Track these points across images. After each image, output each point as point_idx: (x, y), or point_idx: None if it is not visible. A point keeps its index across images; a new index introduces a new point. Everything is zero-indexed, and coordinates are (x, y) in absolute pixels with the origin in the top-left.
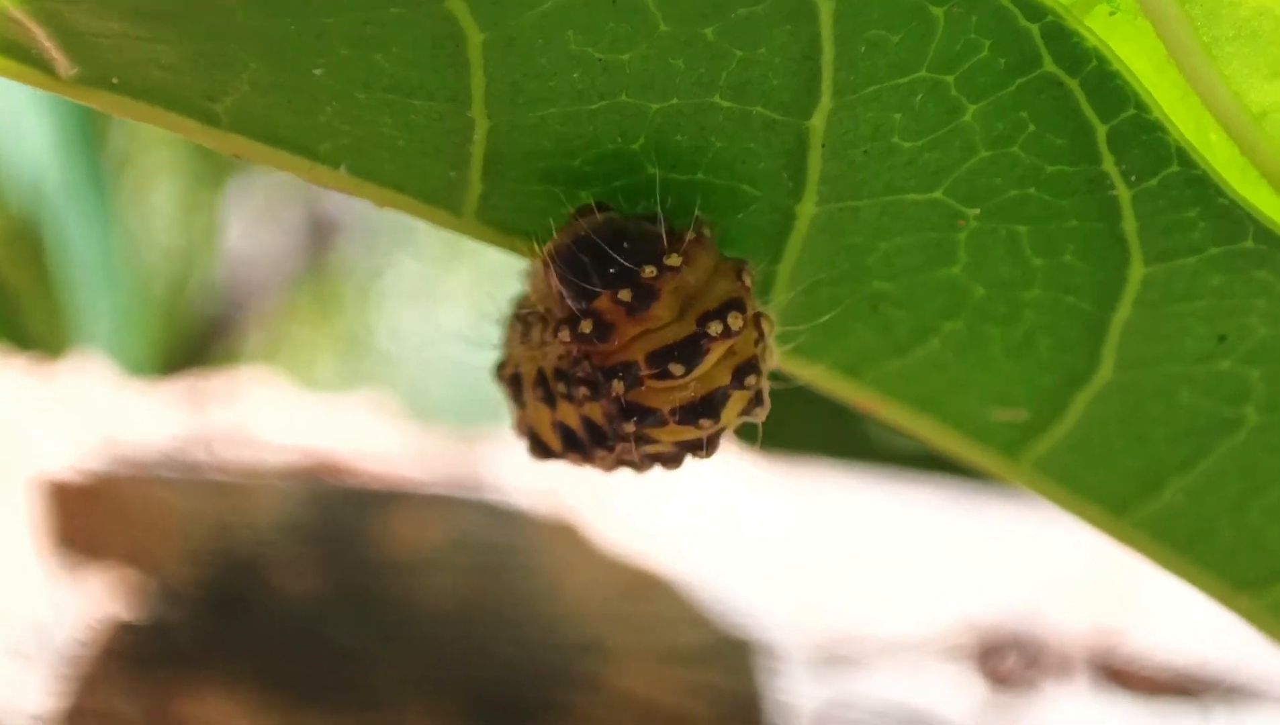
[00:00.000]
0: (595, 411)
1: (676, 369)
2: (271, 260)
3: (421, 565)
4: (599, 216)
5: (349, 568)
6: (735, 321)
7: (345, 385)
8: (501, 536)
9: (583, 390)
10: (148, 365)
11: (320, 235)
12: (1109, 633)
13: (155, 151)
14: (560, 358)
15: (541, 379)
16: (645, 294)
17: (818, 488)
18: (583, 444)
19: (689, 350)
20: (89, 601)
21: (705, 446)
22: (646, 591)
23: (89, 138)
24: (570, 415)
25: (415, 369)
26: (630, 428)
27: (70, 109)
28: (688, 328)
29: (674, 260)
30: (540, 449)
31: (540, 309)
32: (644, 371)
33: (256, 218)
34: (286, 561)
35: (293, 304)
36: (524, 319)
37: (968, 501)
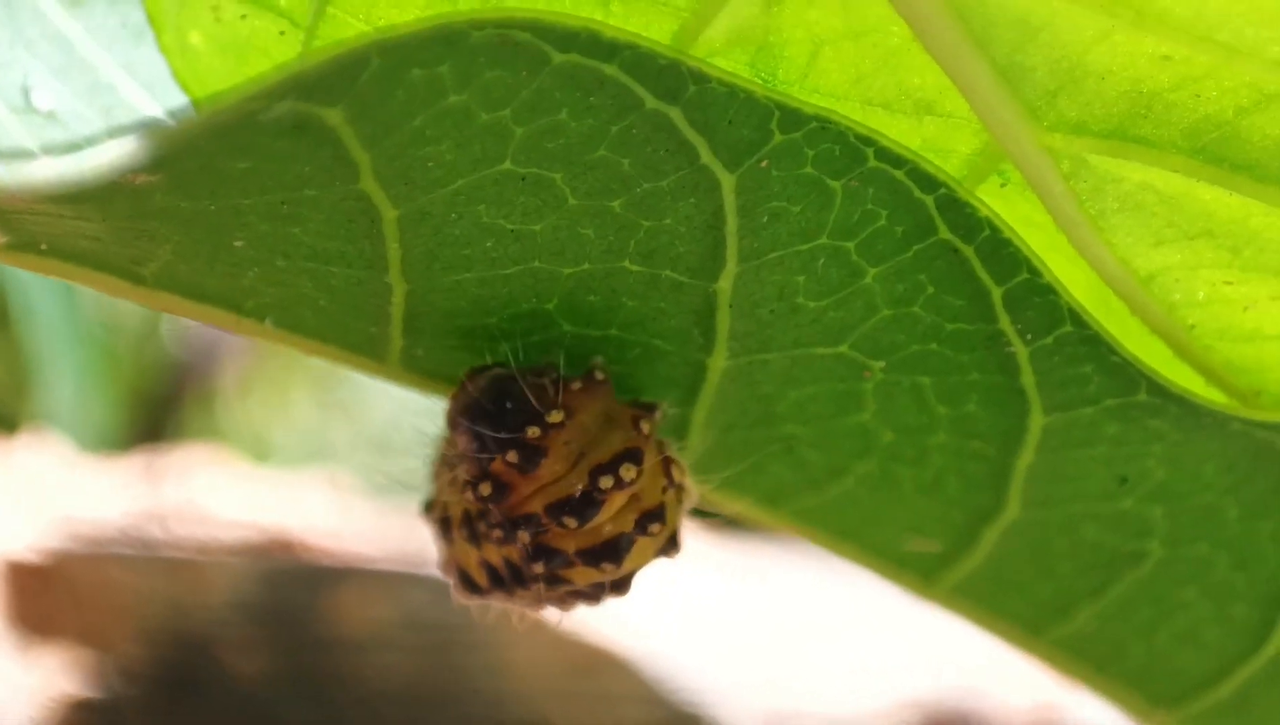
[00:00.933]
0: (512, 553)
1: (570, 522)
2: (225, 333)
3: (370, 643)
4: (485, 377)
5: (299, 646)
6: (628, 473)
7: (299, 458)
8: (449, 613)
9: (496, 532)
10: (106, 433)
11: None
12: (1050, 708)
13: None
14: (471, 505)
15: (467, 519)
16: (532, 453)
17: (765, 564)
18: (505, 582)
19: (583, 503)
20: (44, 681)
21: (617, 588)
22: (594, 668)
23: None
24: (494, 555)
25: (367, 442)
26: (540, 569)
27: None
28: (581, 480)
29: (556, 417)
30: (467, 587)
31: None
32: (544, 522)
33: None
34: (238, 640)
35: (247, 377)
36: (449, 461)
37: None
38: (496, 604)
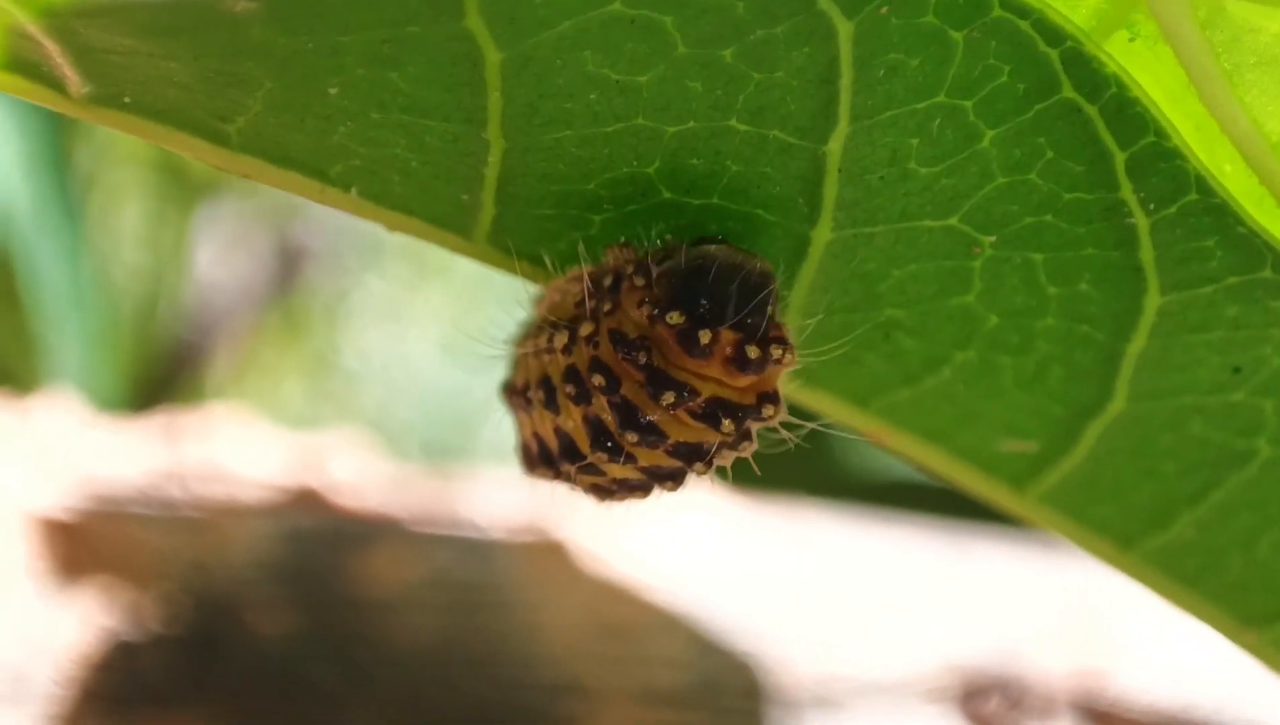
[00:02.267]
0: (603, 407)
1: (726, 425)
2: (241, 286)
3: (398, 603)
4: (762, 263)
5: (324, 606)
6: (775, 412)
7: (316, 412)
8: (478, 574)
9: (597, 378)
10: (118, 395)
11: (289, 260)
12: (1092, 674)
13: (123, 175)
14: (590, 340)
15: (544, 382)
16: (760, 364)
17: (802, 527)
18: (553, 458)
19: (740, 418)
20: (65, 641)
21: (675, 479)
22: (628, 629)
23: (59, 164)
24: (546, 426)
25: (387, 396)
26: (631, 438)
27: (39, 133)
28: (748, 398)
29: (790, 358)
30: (530, 461)
31: (553, 318)
32: (695, 405)
33: (225, 243)
34: (262, 600)
35: (263, 329)
36: (532, 333)
37: (953, 543)
38: (557, 481)
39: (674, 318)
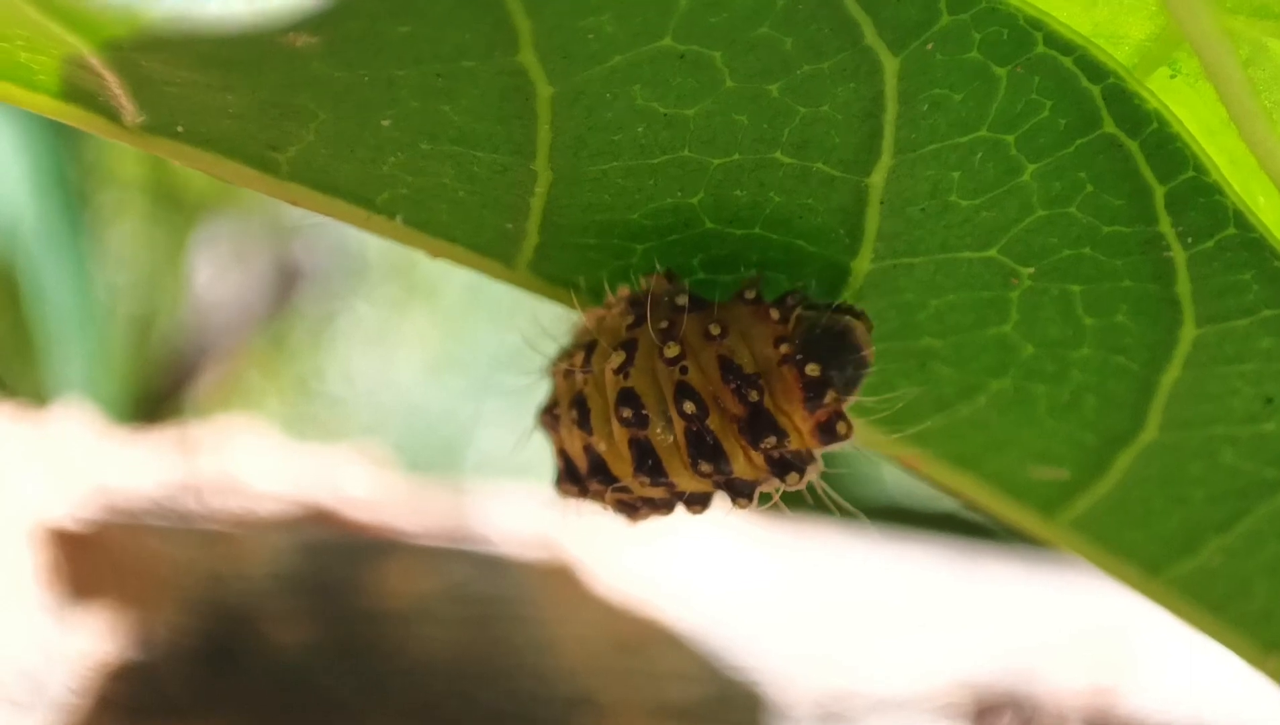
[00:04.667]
0: (661, 435)
1: (791, 478)
2: (238, 304)
3: (413, 616)
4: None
5: (340, 618)
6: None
7: (319, 431)
8: (494, 587)
9: (689, 405)
10: (120, 409)
11: (285, 279)
12: (1104, 691)
13: (123, 195)
14: (675, 359)
15: (578, 402)
16: (836, 433)
17: (815, 544)
18: (582, 477)
19: (803, 465)
20: (81, 650)
21: (703, 503)
22: (641, 645)
23: (63, 182)
24: (576, 444)
25: (374, 416)
26: (706, 468)
27: (44, 151)
28: (803, 444)
29: (849, 432)
30: (561, 480)
31: (589, 341)
32: (778, 452)
33: (224, 262)
34: (278, 612)
35: (258, 347)
36: (571, 354)
37: (965, 560)
38: (590, 499)
39: (812, 369)
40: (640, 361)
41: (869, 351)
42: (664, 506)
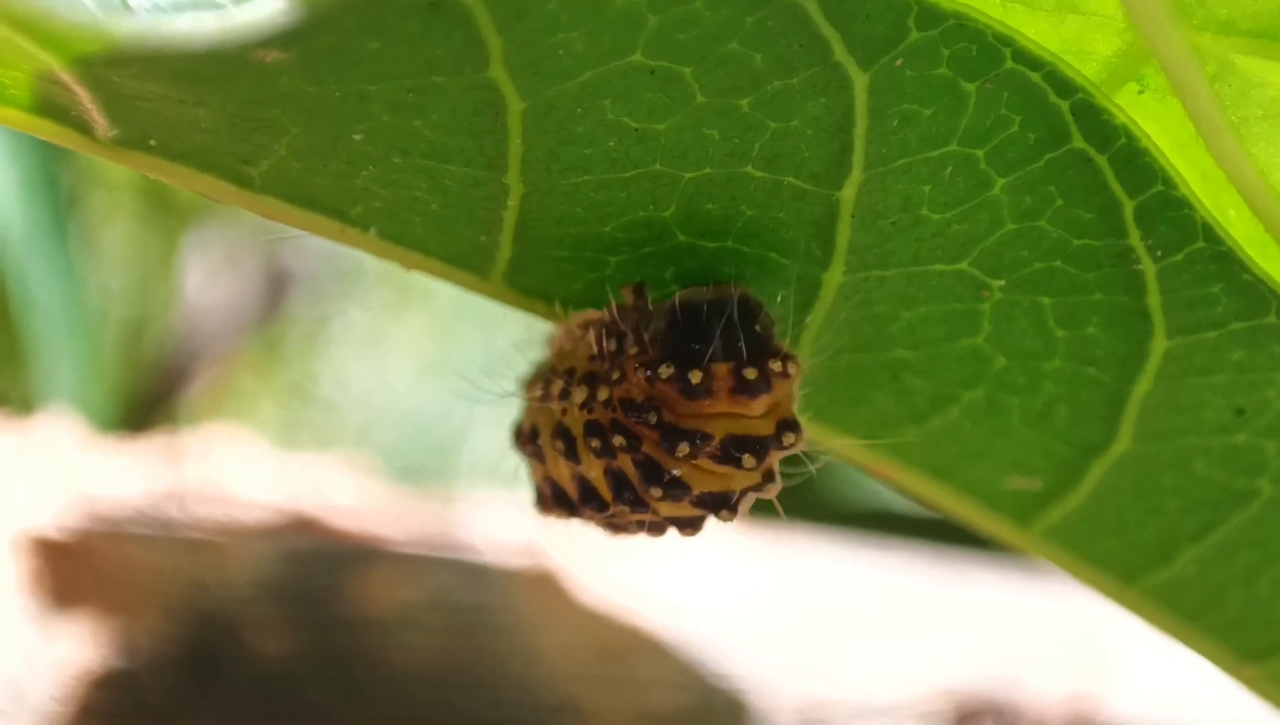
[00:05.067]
0: (627, 464)
1: (748, 461)
2: (229, 310)
3: (396, 624)
4: (735, 286)
5: (323, 626)
6: (795, 439)
7: (311, 436)
8: (476, 595)
9: (618, 439)
10: (109, 416)
11: (276, 285)
12: (1084, 698)
13: (112, 200)
14: (623, 394)
15: (534, 434)
16: (762, 382)
17: (798, 552)
18: (572, 503)
19: (760, 450)
20: (65, 658)
21: (694, 526)
22: (624, 652)
23: (52, 187)
24: (562, 472)
25: (367, 421)
26: (655, 493)
27: (32, 157)
28: (768, 428)
29: (794, 369)
30: (545, 503)
31: (568, 367)
32: (713, 448)
33: (215, 267)
34: (261, 620)
35: (248, 353)
36: (546, 380)
37: (947, 568)
38: (574, 523)
39: (665, 371)
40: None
41: (728, 298)
42: (656, 529)
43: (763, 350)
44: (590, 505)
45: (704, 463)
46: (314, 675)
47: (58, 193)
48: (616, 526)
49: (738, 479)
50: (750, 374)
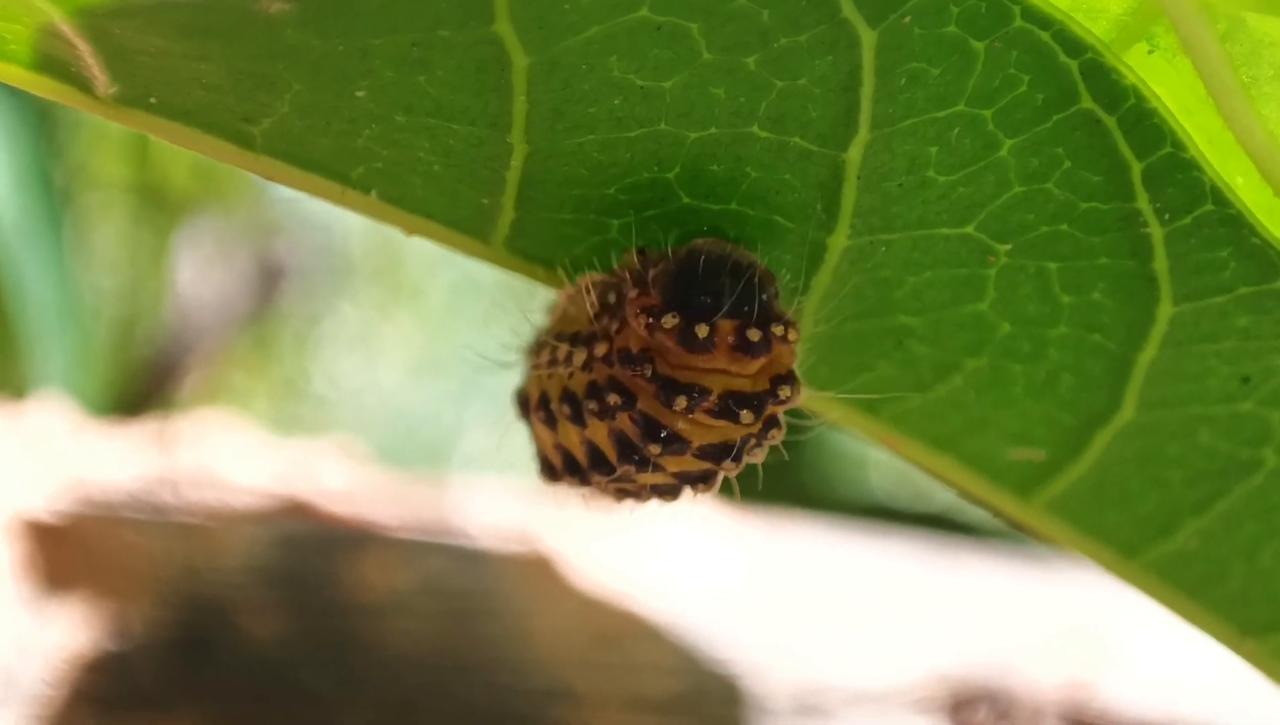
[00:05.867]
0: (625, 422)
1: (745, 417)
2: (221, 303)
3: (389, 609)
4: (743, 248)
5: (316, 611)
6: (792, 392)
7: (302, 431)
8: (470, 581)
9: (614, 397)
10: (101, 405)
11: (268, 278)
12: (1081, 686)
13: (106, 192)
14: (622, 347)
15: (544, 401)
16: (763, 344)
17: (790, 539)
18: (582, 469)
19: (757, 406)
20: (57, 641)
21: (706, 481)
22: (618, 638)
23: (45, 178)
24: (572, 438)
25: (358, 416)
26: (655, 449)
27: (27, 149)
28: (762, 385)
29: (794, 335)
30: (547, 470)
31: (572, 331)
32: (710, 404)
33: (207, 261)
34: (254, 604)
35: (239, 347)
36: (550, 346)
37: (942, 555)
38: (578, 490)
39: (669, 321)
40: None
41: (737, 256)
42: (669, 491)
43: (767, 312)
44: (599, 470)
45: (701, 417)
46: (307, 660)
47: (52, 188)
48: (627, 492)
49: (737, 429)
50: (754, 335)
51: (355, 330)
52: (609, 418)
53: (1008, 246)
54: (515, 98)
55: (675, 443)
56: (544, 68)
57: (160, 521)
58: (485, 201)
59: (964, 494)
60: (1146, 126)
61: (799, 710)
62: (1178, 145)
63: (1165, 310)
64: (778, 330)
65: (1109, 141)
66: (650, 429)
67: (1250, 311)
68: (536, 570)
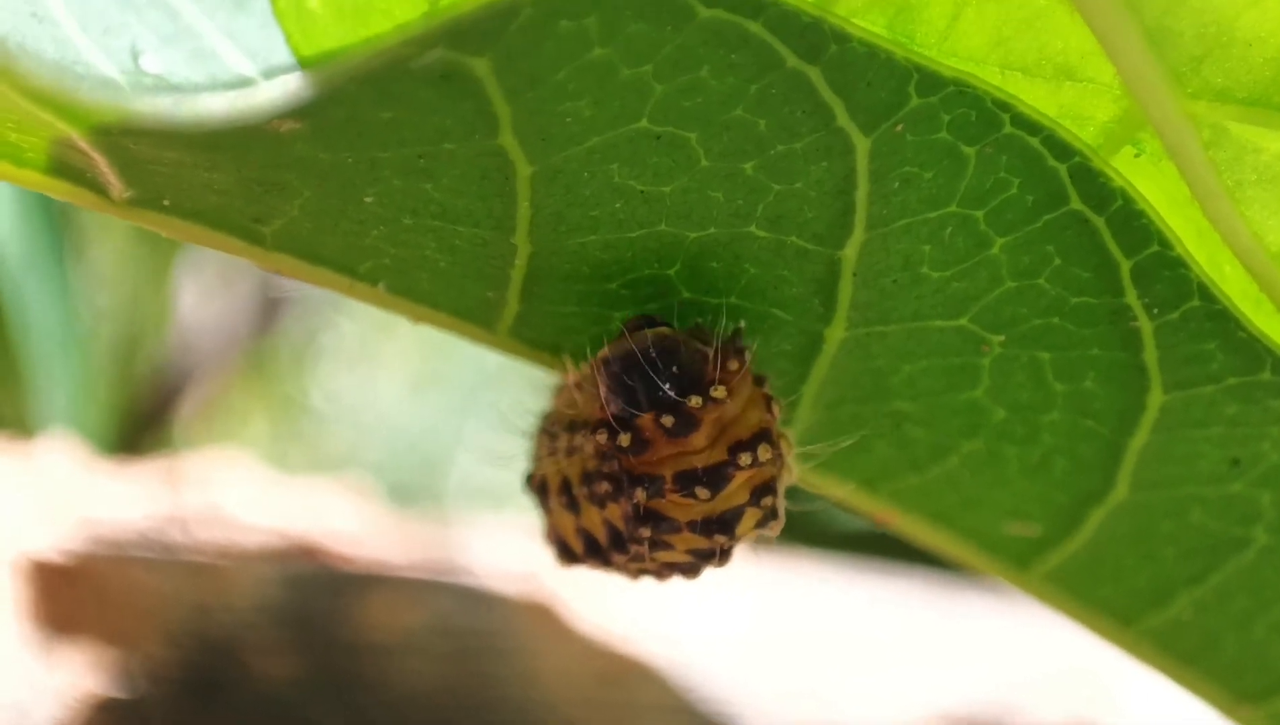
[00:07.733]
0: (615, 513)
1: (702, 493)
2: (225, 327)
3: (397, 649)
4: (650, 333)
5: (324, 651)
6: (764, 453)
7: (304, 452)
8: (477, 620)
9: (604, 486)
10: (106, 437)
11: (272, 302)
12: (1085, 724)
13: (106, 219)
14: (589, 458)
15: (566, 486)
16: (687, 422)
17: (795, 578)
18: (603, 550)
19: (717, 477)
20: (67, 681)
21: (719, 556)
22: (623, 678)
23: (47, 209)
24: (594, 519)
25: (357, 438)
26: (646, 532)
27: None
28: (719, 455)
29: (720, 392)
30: (566, 554)
31: (569, 419)
32: (668, 487)
33: (208, 285)
34: (263, 644)
35: (243, 372)
36: (551, 432)
37: (946, 594)
38: (594, 570)
39: (601, 437)
40: None
41: (630, 345)
42: (688, 569)
43: (688, 386)
44: (617, 550)
45: (672, 498)
46: (315, 699)
47: (52, 213)
48: (645, 571)
49: (720, 502)
50: (667, 421)
51: (355, 350)
52: (613, 502)
53: (1001, 337)
54: (519, 203)
55: (661, 522)
56: (547, 175)
57: (168, 561)
58: (490, 295)
59: (963, 564)
60: (1134, 226)
61: None
62: (1165, 244)
63: (1156, 398)
64: (694, 402)
65: (1098, 240)
66: (637, 514)
67: (1239, 400)
68: (541, 611)
